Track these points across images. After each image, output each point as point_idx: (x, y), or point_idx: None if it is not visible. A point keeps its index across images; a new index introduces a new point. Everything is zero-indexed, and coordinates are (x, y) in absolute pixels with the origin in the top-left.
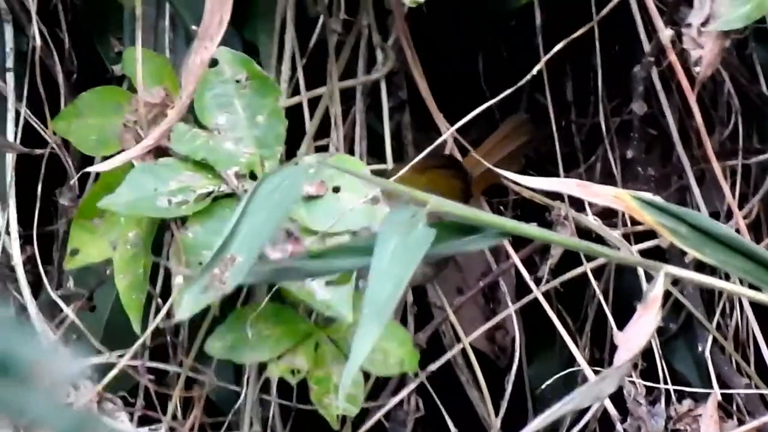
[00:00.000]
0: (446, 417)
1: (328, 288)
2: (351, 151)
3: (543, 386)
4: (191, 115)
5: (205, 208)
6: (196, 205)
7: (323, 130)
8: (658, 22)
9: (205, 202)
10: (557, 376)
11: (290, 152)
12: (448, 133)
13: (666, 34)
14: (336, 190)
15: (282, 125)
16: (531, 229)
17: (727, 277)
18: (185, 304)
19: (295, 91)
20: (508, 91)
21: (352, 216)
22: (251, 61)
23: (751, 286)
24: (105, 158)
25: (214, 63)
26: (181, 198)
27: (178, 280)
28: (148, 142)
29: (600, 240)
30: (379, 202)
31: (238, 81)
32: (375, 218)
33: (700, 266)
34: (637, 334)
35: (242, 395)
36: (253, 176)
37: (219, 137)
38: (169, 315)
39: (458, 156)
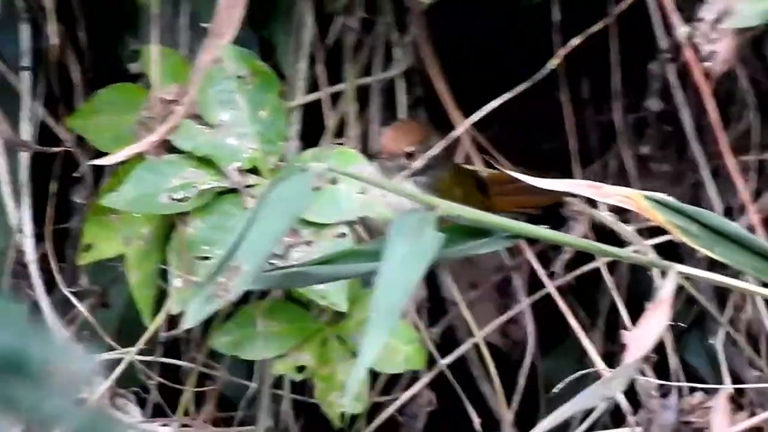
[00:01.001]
0: (468, 408)
1: None
2: (367, 149)
3: (556, 389)
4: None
5: (207, 204)
6: (197, 200)
7: (340, 128)
8: (675, 18)
9: (207, 198)
10: (571, 377)
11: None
12: (463, 127)
13: (682, 30)
14: (333, 182)
15: (285, 121)
16: (542, 231)
17: (740, 274)
18: (190, 314)
19: (311, 90)
20: (523, 86)
21: (350, 208)
22: (254, 56)
23: (763, 284)
24: None
25: (217, 60)
26: (183, 194)
27: (176, 283)
28: (154, 137)
29: (615, 233)
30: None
31: (240, 77)
32: (373, 210)
33: (713, 262)
34: (647, 333)
35: (255, 390)
36: (255, 172)
37: (222, 133)
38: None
39: (475, 154)
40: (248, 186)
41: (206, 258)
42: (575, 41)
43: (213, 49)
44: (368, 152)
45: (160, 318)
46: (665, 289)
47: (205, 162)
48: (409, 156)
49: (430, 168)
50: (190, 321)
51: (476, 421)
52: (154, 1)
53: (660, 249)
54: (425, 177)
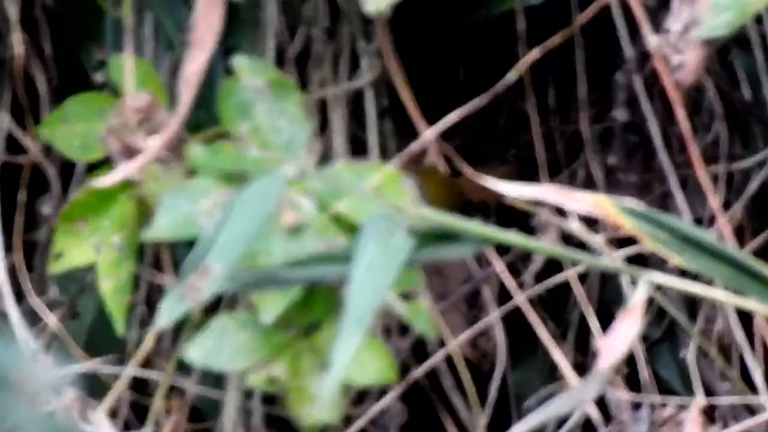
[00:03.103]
0: (445, 419)
1: None
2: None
3: (528, 400)
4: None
5: None
6: None
7: None
8: (645, 28)
9: None
10: (543, 389)
11: None
12: (427, 132)
13: (652, 40)
14: None
15: (306, 128)
16: (512, 237)
17: (711, 283)
18: (163, 314)
19: None
20: (487, 96)
21: None
22: (270, 66)
23: (735, 292)
24: (90, 164)
25: (230, 71)
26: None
27: None
28: (148, 154)
29: (584, 245)
30: None
31: (257, 87)
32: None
33: (683, 271)
34: (618, 341)
35: (225, 402)
36: None
37: (243, 146)
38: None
39: (442, 163)
40: None
41: None
42: (537, 51)
43: (196, 60)
44: None
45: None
46: (636, 297)
47: (231, 177)
48: None
49: None
50: (162, 321)
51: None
52: (126, 12)
53: (629, 263)
54: None
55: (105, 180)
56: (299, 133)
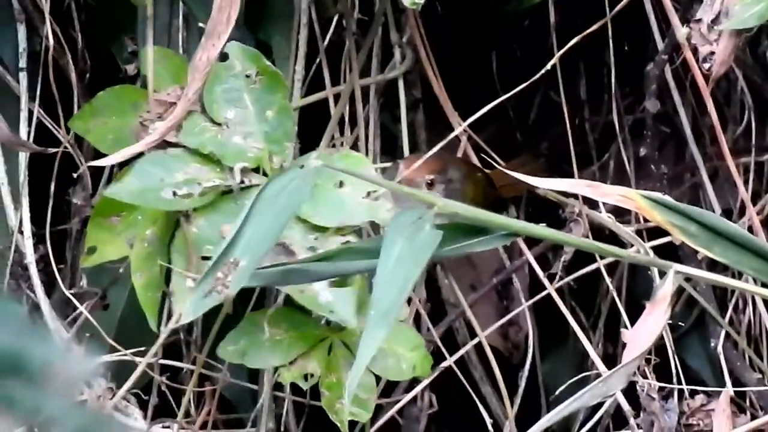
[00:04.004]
0: (481, 408)
1: (332, 290)
2: (365, 150)
3: (558, 390)
4: (201, 112)
5: (210, 203)
6: (200, 198)
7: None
8: (675, 19)
9: (210, 197)
10: (573, 380)
11: (303, 151)
12: (461, 128)
13: (682, 32)
14: (340, 185)
15: (291, 121)
16: (541, 230)
17: (740, 275)
18: (189, 308)
19: (308, 92)
20: (521, 87)
21: (355, 212)
22: (261, 56)
23: (764, 284)
24: None
25: (224, 57)
26: (186, 190)
27: (188, 284)
28: (153, 137)
29: (614, 236)
30: (381, 198)
31: (248, 76)
32: (377, 215)
33: (712, 263)
34: (646, 332)
35: (257, 392)
36: (260, 171)
37: (228, 131)
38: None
39: (472, 154)
40: (250, 186)
41: (209, 258)
42: (572, 42)
43: (210, 48)
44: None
45: (171, 321)
46: (664, 288)
47: (210, 159)
48: (430, 185)
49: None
50: (189, 315)
51: (488, 420)
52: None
53: (660, 252)
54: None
55: (115, 157)
56: (286, 125)
